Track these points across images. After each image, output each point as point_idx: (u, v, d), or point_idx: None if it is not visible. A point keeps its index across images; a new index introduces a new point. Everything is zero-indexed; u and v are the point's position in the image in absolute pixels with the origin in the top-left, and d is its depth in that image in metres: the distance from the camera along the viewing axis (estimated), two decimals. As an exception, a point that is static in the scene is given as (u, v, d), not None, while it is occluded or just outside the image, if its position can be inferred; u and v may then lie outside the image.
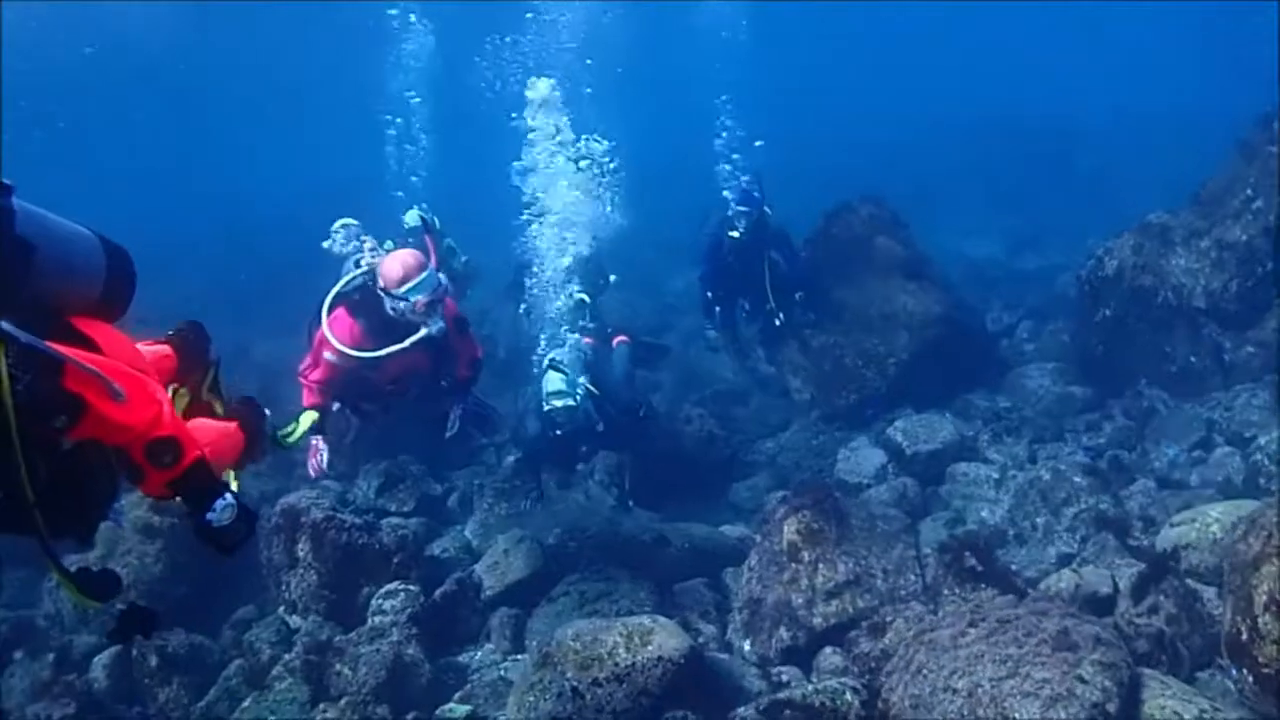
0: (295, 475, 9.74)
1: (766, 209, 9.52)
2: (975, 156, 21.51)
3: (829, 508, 6.27)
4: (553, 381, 7.52)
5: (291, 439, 6.36)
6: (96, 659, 6.88)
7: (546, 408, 7.45)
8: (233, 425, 4.00)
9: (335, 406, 7.31)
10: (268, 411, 4.22)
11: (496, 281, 10.68)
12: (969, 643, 4.66)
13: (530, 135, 8.84)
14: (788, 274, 9.56)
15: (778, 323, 9.60)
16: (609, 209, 9.57)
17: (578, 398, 7.46)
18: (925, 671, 4.67)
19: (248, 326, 14.84)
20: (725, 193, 9.76)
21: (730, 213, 9.48)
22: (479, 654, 6.97)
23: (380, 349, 6.65)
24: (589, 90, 10.76)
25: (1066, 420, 8.81)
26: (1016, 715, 4.26)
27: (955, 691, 4.47)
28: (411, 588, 7.21)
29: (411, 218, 9.01)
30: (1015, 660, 4.46)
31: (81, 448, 3.13)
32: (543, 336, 8.57)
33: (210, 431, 3.86)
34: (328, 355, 6.79)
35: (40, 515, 2.90)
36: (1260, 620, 4.41)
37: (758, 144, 11.15)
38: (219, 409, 4.22)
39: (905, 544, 6.25)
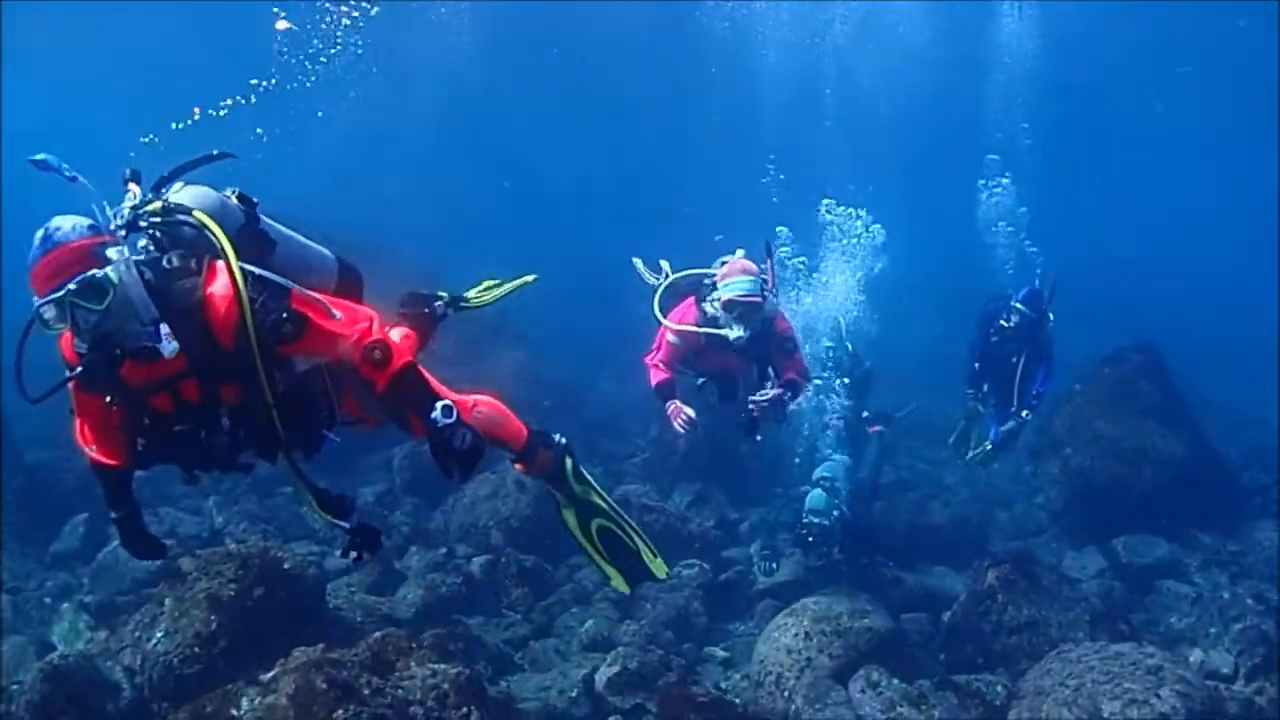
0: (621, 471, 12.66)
1: (1049, 315, 9.84)
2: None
3: (1025, 567, 8.20)
4: (816, 499, 8.86)
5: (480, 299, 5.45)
6: (475, 559, 9.53)
7: (804, 519, 8.83)
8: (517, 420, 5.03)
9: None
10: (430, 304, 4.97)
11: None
12: (1088, 659, 6.53)
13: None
14: (1036, 383, 9.89)
15: (1012, 422, 9.90)
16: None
17: (832, 519, 8.80)
18: (1052, 672, 6.59)
19: (599, 365, 17.99)
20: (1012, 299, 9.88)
21: (1011, 304, 9.79)
22: (743, 627, 9.19)
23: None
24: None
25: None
26: (1104, 708, 6.11)
27: (1067, 687, 6.36)
28: (705, 565, 9.70)
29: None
30: (1115, 676, 6.29)
31: (308, 375, 3.98)
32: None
33: (495, 402, 4.96)
34: (669, 336, 7.55)
35: (279, 421, 3.77)
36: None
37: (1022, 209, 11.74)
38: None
39: (1082, 609, 7.99)
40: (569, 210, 37.70)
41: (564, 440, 5.28)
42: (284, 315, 3.64)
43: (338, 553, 9.66)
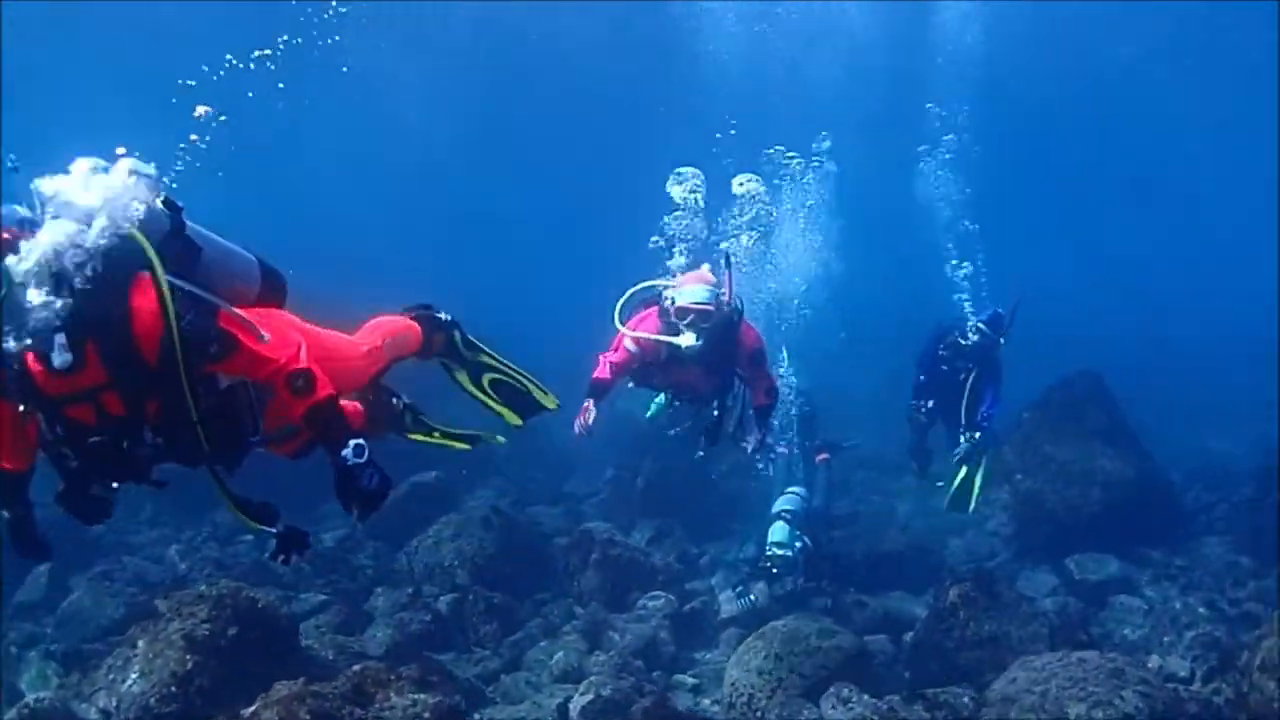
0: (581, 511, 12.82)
1: (1002, 340, 9.97)
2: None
3: (984, 584, 8.42)
4: (778, 531, 9.32)
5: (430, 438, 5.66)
6: (442, 597, 9.62)
7: (768, 551, 9.25)
8: (409, 321, 5.10)
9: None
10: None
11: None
12: (1052, 666, 6.74)
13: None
14: (985, 404, 10.02)
15: (963, 440, 9.99)
16: None
17: (795, 550, 9.30)
18: (1017, 680, 6.79)
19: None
20: (969, 313, 10.18)
21: (969, 324, 9.98)
22: (710, 655, 9.34)
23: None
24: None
25: (1227, 578, 10.37)
26: (1069, 711, 6.31)
27: (1033, 693, 6.56)
28: (670, 596, 9.82)
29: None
30: (1079, 680, 6.50)
31: (233, 390, 3.89)
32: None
33: (390, 321, 5.06)
34: (627, 342, 7.61)
35: (203, 434, 3.73)
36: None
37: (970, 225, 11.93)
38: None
39: (1040, 623, 8.22)
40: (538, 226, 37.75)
41: (449, 317, 5.50)
42: (210, 335, 3.62)
43: (304, 595, 9.77)
